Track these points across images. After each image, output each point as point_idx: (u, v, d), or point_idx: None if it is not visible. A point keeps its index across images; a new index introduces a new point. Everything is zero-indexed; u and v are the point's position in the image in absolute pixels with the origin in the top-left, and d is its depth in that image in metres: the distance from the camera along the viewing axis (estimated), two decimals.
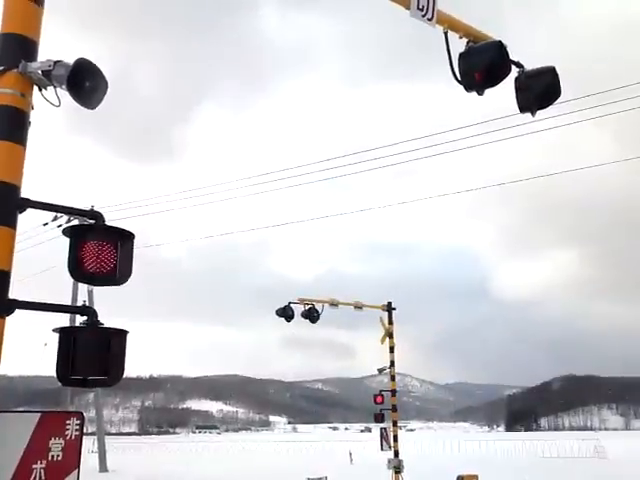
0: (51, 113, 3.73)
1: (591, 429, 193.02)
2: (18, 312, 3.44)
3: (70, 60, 3.56)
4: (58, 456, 3.50)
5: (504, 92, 5.26)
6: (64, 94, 3.61)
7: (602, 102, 15.85)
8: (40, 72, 3.56)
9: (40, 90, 3.65)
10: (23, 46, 3.65)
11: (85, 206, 3.85)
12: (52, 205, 3.77)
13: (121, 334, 3.66)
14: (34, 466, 3.39)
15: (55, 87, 3.60)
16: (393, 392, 18.40)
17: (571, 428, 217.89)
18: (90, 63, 3.65)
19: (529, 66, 5.36)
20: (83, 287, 33.15)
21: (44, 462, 3.44)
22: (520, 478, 29.68)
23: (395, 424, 18.44)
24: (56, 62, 3.54)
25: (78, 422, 3.65)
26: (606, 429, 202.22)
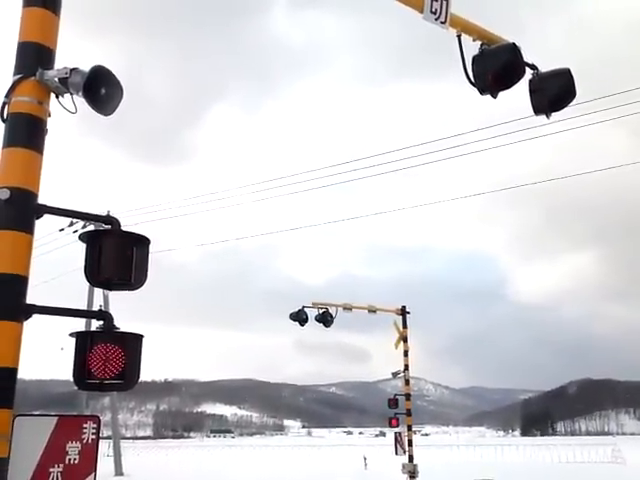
0: (63, 117, 3.77)
1: (608, 434, 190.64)
2: (35, 317, 3.48)
3: (86, 67, 3.60)
4: (75, 459, 3.52)
5: (519, 94, 5.24)
6: (81, 101, 3.65)
7: (617, 103, 15.71)
8: (57, 80, 3.60)
9: (57, 97, 3.69)
10: (40, 54, 3.69)
11: (100, 211, 3.89)
12: (68, 211, 3.80)
13: (137, 339, 3.68)
14: (51, 469, 3.41)
15: (72, 94, 3.64)
16: (407, 396, 18.32)
17: (588, 433, 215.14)
18: (106, 70, 3.68)
19: (543, 67, 5.32)
20: (99, 291, 33.43)
21: (61, 465, 3.45)
22: None
23: (410, 428, 18.35)
24: (72, 69, 3.57)
25: (95, 426, 3.66)
26: (624, 434, 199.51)
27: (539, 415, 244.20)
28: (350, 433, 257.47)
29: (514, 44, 5.08)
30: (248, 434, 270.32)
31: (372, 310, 17.89)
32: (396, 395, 18.97)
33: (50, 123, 3.71)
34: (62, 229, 33.11)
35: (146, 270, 3.81)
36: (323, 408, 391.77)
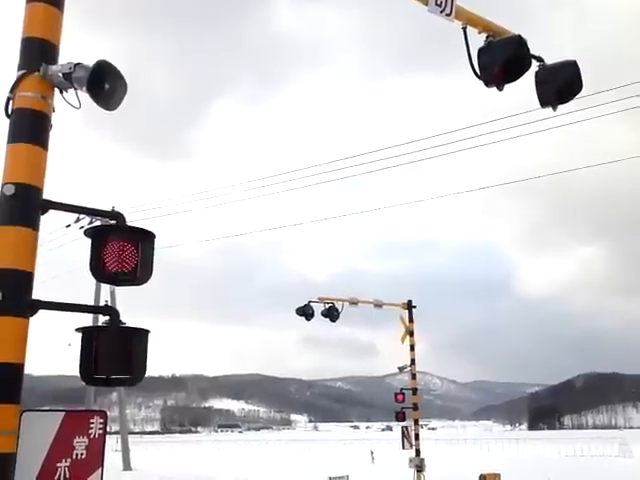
0: (68, 112, 3.76)
1: (616, 427, 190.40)
2: (42, 312, 3.48)
3: (90, 62, 3.59)
4: (82, 454, 3.54)
5: (525, 86, 5.20)
6: (85, 96, 3.64)
7: (621, 96, 15.56)
8: (61, 75, 3.59)
9: (61, 92, 3.68)
10: (44, 49, 3.69)
11: (105, 207, 3.89)
12: (73, 206, 3.80)
13: (143, 333, 3.69)
14: (59, 464, 3.43)
15: (76, 89, 3.63)
16: (414, 390, 18.33)
17: (595, 426, 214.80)
18: (110, 65, 3.67)
19: (549, 59, 5.27)
20: (106, 287, 33.53)
21: (68, 460, 3.47)
22: (544, 477, 29.38)
23: (416, 423, 18.36)
24: (76, 64, 3.57)
25: (101, 421, 3.68)
26: (631, 427, 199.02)
27: (546, 409, 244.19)
28: (357, 428, 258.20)
29: (520, 36, 5.03)
30: (255, 429, 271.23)
31: (378, 305, 17.88)
32: (403, 389, 18.96)
33: (54, 118, 3.71)
34: (69, 225, 33.19)
35: (152, 265, 3.80)
36: (330, 403, 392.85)
